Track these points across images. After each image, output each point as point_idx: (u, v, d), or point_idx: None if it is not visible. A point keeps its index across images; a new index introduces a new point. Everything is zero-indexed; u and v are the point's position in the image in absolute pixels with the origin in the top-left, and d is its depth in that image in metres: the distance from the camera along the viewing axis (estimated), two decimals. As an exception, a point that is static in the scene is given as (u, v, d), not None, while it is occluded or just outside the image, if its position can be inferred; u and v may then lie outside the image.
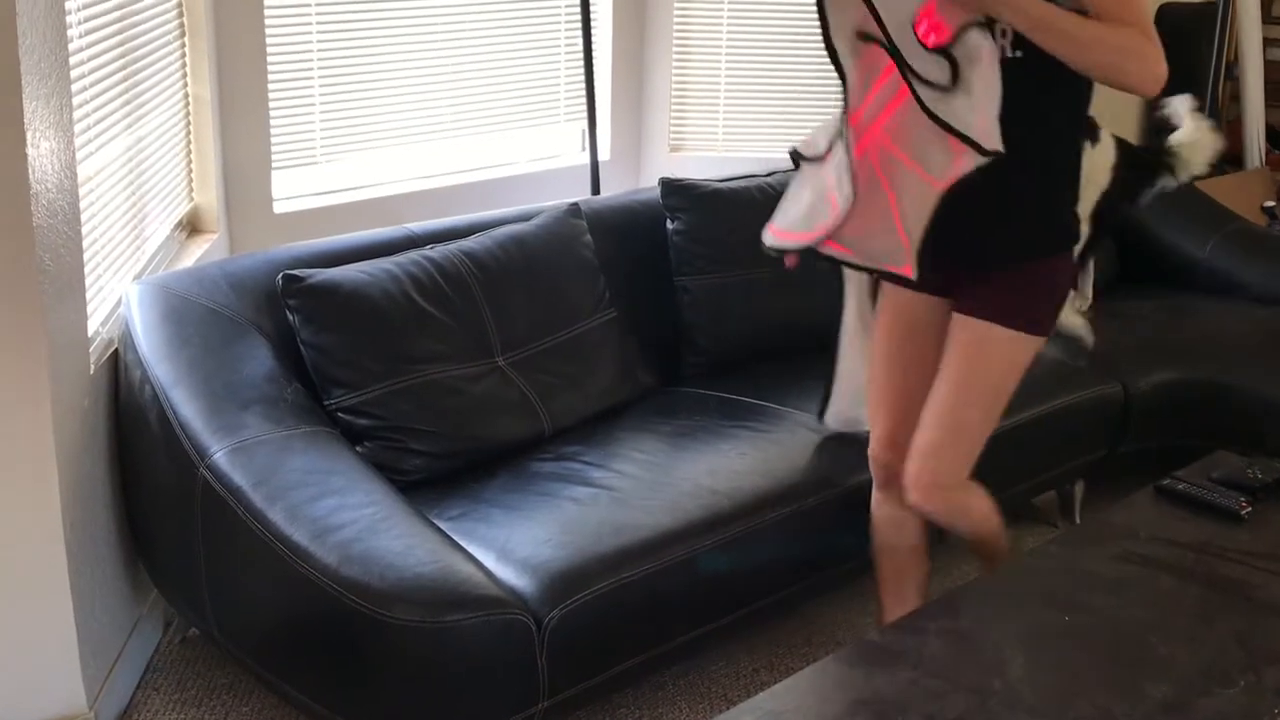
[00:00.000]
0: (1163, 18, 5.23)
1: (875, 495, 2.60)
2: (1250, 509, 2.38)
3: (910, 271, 2.25)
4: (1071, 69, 2.16)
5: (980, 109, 2.14)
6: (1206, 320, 3.75)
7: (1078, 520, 3.47)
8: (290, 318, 2.67)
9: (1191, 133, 3.54)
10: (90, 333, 2.53)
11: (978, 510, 2.53)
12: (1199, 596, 2.12)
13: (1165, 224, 4.14)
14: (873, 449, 2.57)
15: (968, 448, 2.43)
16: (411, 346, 2.71)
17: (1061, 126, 2.33)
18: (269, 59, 3.46)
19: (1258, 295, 3.88)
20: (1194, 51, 5.25)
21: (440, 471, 2.66)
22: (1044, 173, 2.33)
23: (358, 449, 2.57)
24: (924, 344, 2.46)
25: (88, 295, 2.49)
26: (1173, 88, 5.67)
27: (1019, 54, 2.19)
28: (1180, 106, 3.57)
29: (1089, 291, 3.58)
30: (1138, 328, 3.72)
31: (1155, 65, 2.17)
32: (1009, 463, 3.13)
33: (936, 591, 3.09)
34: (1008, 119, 2.16)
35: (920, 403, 2.43)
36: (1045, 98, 2.24)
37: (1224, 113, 5.45)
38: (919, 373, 2.45)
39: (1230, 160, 5.48)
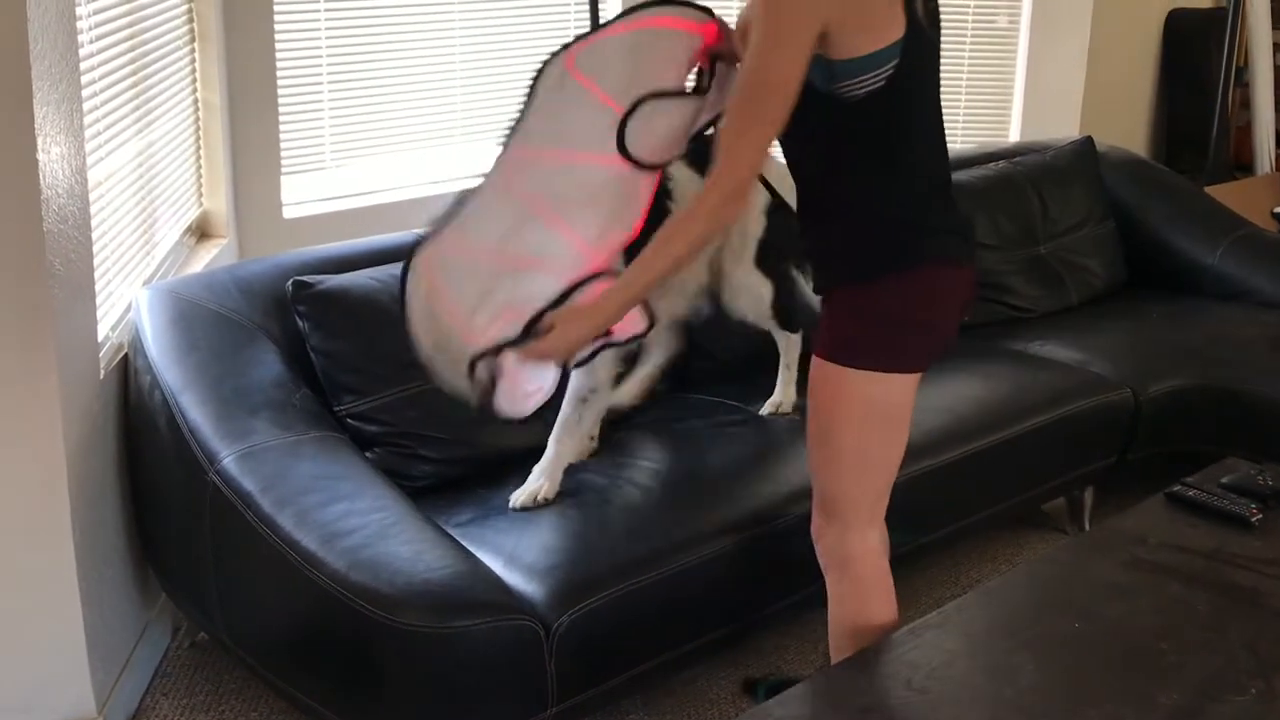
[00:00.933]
0: (1172, 24, 5.25)
1: None
2: (1261, 515, 2.37)
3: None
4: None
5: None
6: (1216, 326, 3.73)
7: (1087, 527, 3.46)
8: (300, 324, 2.68)
9: None
10: (100, 337, 2.53)
11: (847, 589, 2.24)
12: (1209, 603, 2.11)
13: (1175, 229, 4.13)
14: None
15: (819, 494, 2.26)
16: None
17: (859, 168, 2.16)
18: (278, 64, 3.47)
19: (1268, 301, 3.87)
20: (1204, 57, 5.24)
21: (449, 478, 2.66)
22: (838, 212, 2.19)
23: (367, 455, 2.57)
24: None
25: (98, 300, 2.49)
26: (1183, 95, 5.70)
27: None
28: None
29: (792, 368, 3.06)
30: (1147, 333, 3.72)
31: (699, 218, 2.04)
32: (1018, 469, 3.14)
33: (944, 598, 3.09)
34: (808, 162, 2.16)
35: None
36: (817, 160, 2.17)
37: (1234, 119, 5.45)
38: None
39: (1240, 166, 5.48)
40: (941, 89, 2.22)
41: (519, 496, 2.52)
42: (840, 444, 2.18)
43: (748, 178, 2.05)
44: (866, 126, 2.08)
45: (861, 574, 2.24)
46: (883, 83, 2.02)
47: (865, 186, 2.14)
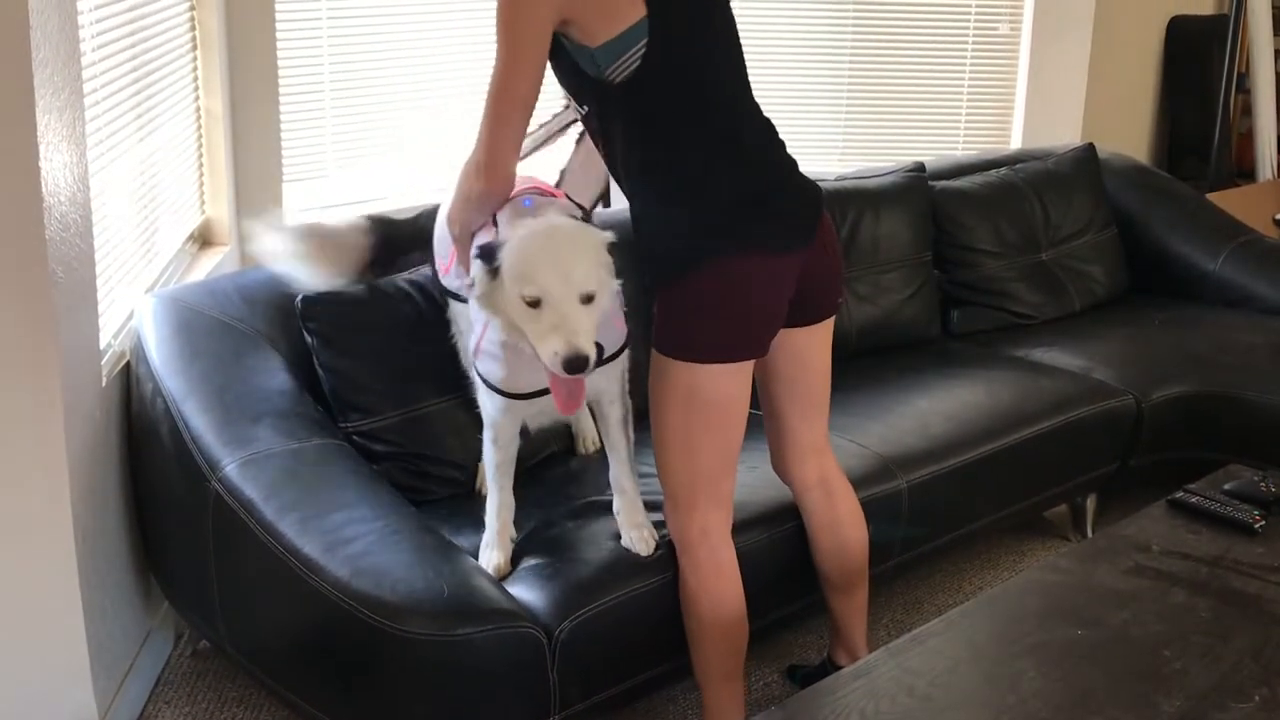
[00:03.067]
0: (1174, 30, 5.25)
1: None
2: (1264, 522, 2.37)
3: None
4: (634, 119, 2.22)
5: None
6: (1219, 332, 3.73)
7: (1090, 534, 3.45)
8: (309, 340, 2.66)
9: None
10: (102, 345, 2.53)
11: (685, 571, 2.36)
12: (1212, 610, 2.11)
13: (1177, 236, 4.13)
14: None
15: (663, 483, 2.38)
16: (429, 373, 2.70)
17: (643, 155, 2.27)
18: (280, 72, 3.47)
19: (1270, 307, 3.87)
20: (1205, 64, 5.24)
21: (455, 496, 2.67)
22: (641, 211, 2.33)
23: (373, 468, 2.56)
24: None
25: (100, 308, 2.50)
26: (1184, 101, 5.70)
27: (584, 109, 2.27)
28: None
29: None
30: (1149, 340, 3.71)
31: (472, 169, 2.22)
32: (1021, 475, 3.13)
33: (946, 605, 3.08)
34: (609, 158, 2.30)
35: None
36: (619, 149, 2.28)
37: (1235, 125, 5.45)
38: None
39: (1242, 173, 5.48)
40: (736, 62, 2.30)
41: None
42: (664, 427, 2.32)
43: (497, 161, 2.18)
44: (639, 109, 2.19)
45: (698, 558, 2.35)
46: (638, 62, 2.13)
47: (650, 177, 2.26)
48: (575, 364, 2.06)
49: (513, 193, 2.30)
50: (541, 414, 2.42)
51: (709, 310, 2.24)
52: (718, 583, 2.35)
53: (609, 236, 2.20)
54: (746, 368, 2.30)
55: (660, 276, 2.28)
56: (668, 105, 2.21)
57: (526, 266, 2.10)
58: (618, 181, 2.34)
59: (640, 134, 2.24)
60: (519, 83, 2.14)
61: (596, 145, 2.33)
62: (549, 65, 2.20)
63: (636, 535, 2.41)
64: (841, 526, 2.55)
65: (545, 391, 2.25)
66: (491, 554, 2.38)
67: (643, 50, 2.13)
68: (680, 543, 2.37)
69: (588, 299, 2.11)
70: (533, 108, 2.17)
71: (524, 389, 2.30)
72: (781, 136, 2.36)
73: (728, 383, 2.28)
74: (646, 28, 2.13)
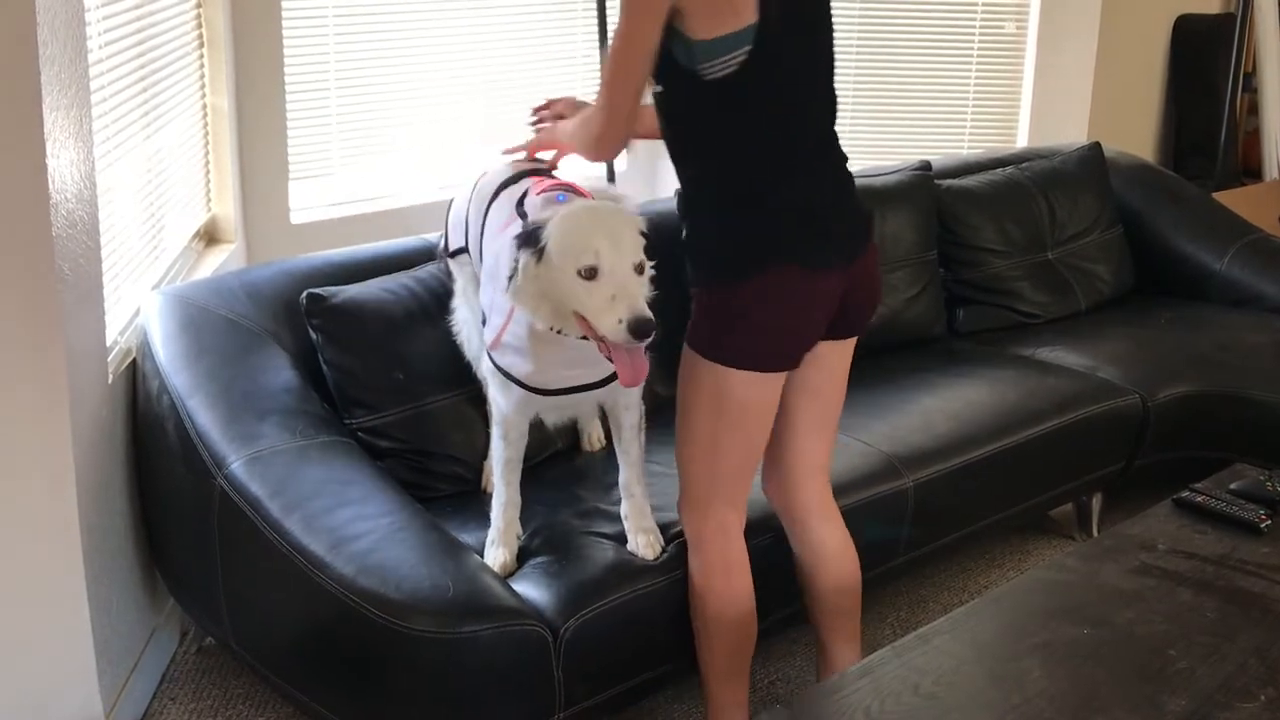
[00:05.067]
0: (1180, 29, 5.24)
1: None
2: (1269, 522, 2.37)
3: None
4: (697, 122, 2.22)
5: None
6: (1224, 332, 3.73)
7: (1095, 533, 3.45)
8: (314, 336, 2.67)
9: None
10: (109, 342, 2.54)
11: (695, 576, 2.37)
12: (1218, 610, 2.11)
13: (1183, 235, 4.13)
14: None
15: (682, 478, 2.37)
16: (434, 370, 2.70)
17: (716, 151, 2.23)
18: (287, 70, 3.48)
19: (1275, 306, 3.87)
20: (1212, 63, 5.23)
21: (460, 493, 2.67)
22: (693, 207, 2.29)
23: (379, 465, 2.56)
24: None
25: (106, 305, 2.50)
26: (1191, 100, 5.70)
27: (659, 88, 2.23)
28: None
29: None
30: (1155, 339, 3.71)
31: (593, 128, 2.24)
32: (1026, 474, 3.13)
33: (951, 604, 3.08)
34: (675, 144, 2.27)
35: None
36: (684, 141, 2.27)
37: (1242, 124, 5.44)
38: None
39: (1248, 172, 5.48)
40: (828, 82, 2.27)
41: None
42: (690, 425, 2.31)
43: (619, 124, 2.20)
44: (720, 108, 2.15)
45: (708, 557, 2.34)
46: (735, 67, 2.10)
47: (711, 178, 2.23)
48: (642, 328, 2.04)
49: (539, 190, 2.30)
50: (560, 409, 2.41)
51: (750, 320, 2.21)
52: (726, 582, 2.34)
53: (644, 220, 2.21)
54: (778, 378, 2.28)
55: (705, 278, 2.25)
56: (750, 113, 2.16)
57: (579, 237, 2.09)
58: (674, 160, 2.29)
59: (712, 131, 2.20)
60: (629, 59, 2.14)
61: (660, 121, 2.27)
62: None
63: (643, 540, 2.41)
64: (845, 556, 2.49)
65: (571, 390, 2.26)
66: (498, 552, 2.38)
67: (744, 56, 2.09)
68: (693, 539, 2.36)
69: (640, 268, 2.12)
70: (643, 80, 2.16)
71: (551, 384, 2.29)
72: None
73: (758, 390, 2.26)
74: (754, 35, 2.09)
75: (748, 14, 2.08)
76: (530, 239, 2.14)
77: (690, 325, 2.27)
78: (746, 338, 2.22)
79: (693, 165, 2.26)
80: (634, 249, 2.11)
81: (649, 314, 2.05)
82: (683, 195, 2.31)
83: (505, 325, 2.26)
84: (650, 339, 2.06)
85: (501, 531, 2.40)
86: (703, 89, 2.13)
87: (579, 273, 2.07)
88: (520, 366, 2.28)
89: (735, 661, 2.40)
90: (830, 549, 2.48)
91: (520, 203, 2.37)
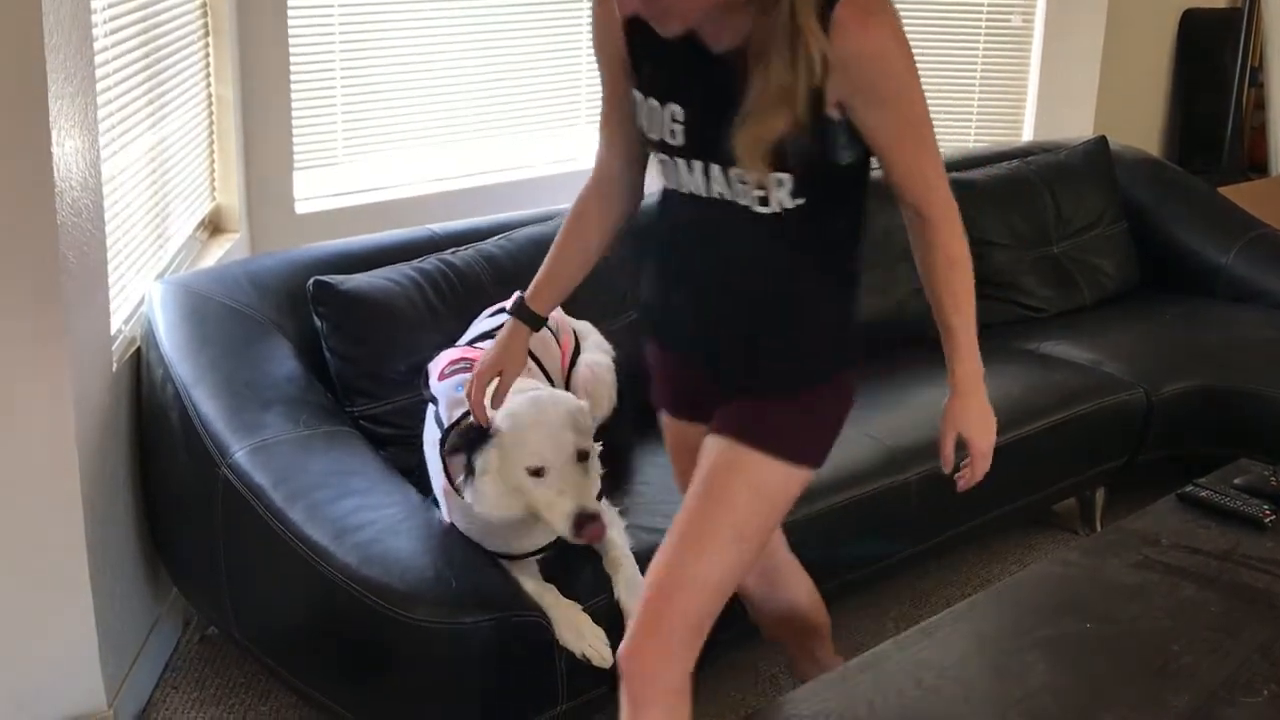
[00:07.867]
0: (1187, 23, 5.23)
1: None
2: (1273, 517, 2.37)
3: None
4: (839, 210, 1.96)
5: None
6: (1229, 327, 3.72)
7: (1099, 528, 3.45)
8: (319, 324, 2.67)
9: None
10: (113, 331, 2.54)
11: None
12: (1222, 605, 2.11)
13: (1188, 230, 4.12)
14: None
15: (684, 600, 1.93)
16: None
17: (837, 240, 2.02)
18: (291, 59, 3.47)
19: (1281, 302, 3.87)
20: (1218, 57, 5.22)
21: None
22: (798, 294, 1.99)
23: (380, 453, 2.56)
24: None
25: (110, 294, 2.50)
26: (1197, 95, 5.67)
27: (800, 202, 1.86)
28: None
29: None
30: (1160, 334, 3.71)
31: (958, 242, 1.99)
32: (1030, 469, 3.13)
33: (954, 598, 3.08)
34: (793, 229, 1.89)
35: None
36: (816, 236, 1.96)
37: (1248, 119, 5.43)
38: None
39: (1255, 167, 5.47)
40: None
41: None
42: (743, 538, 1.92)
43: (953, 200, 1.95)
44: (856, 187, 1.96)
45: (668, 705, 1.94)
46: (863, 150, 1.88)
47: (832, 257, 2.01)
48: (586, 528, 2.13)
49: (441, 370, 2.37)
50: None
51: (844, 415, 2.03)
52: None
53: (583, 403, 2.26)
54: None
55: (809, 373, 1.98)
56: (862, 198, 1.99)
57: (522, 436, 2.14)
58: (803, 249, 1.95)
59: (836, 210, 1.96)
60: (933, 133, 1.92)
61: (813, 207, 1.90)
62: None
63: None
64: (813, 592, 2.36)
65: (540, 551, 2.28)
66: (587, 633, 2.21)
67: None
68: (644, 699, 1.96)
69: (583, 455, 2.17)
70: None
71: (515, 551, 2.27)
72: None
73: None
74: None
75: None
76: (475, 442, 2.16)
77: (774, 429, 1.92)
78: (834, 436, 2.01)
79: (812, 246, 1.96)
80: (576, 438, 2.16)
81: (595, 507, 2.14)
82: (793, 273, 1.96)
83: (448, 506, 2.29)
84: (595, 525, 2.13)
85: (564, 610, 2.23)
86: (835, 170, 1.89)
87: (527, 470, 2.14)
88: (483, 539, 2.26)
89: (805, 645, 2.36)
90: (805, 590, 2.38)
91: (426, 381, 2.41)
